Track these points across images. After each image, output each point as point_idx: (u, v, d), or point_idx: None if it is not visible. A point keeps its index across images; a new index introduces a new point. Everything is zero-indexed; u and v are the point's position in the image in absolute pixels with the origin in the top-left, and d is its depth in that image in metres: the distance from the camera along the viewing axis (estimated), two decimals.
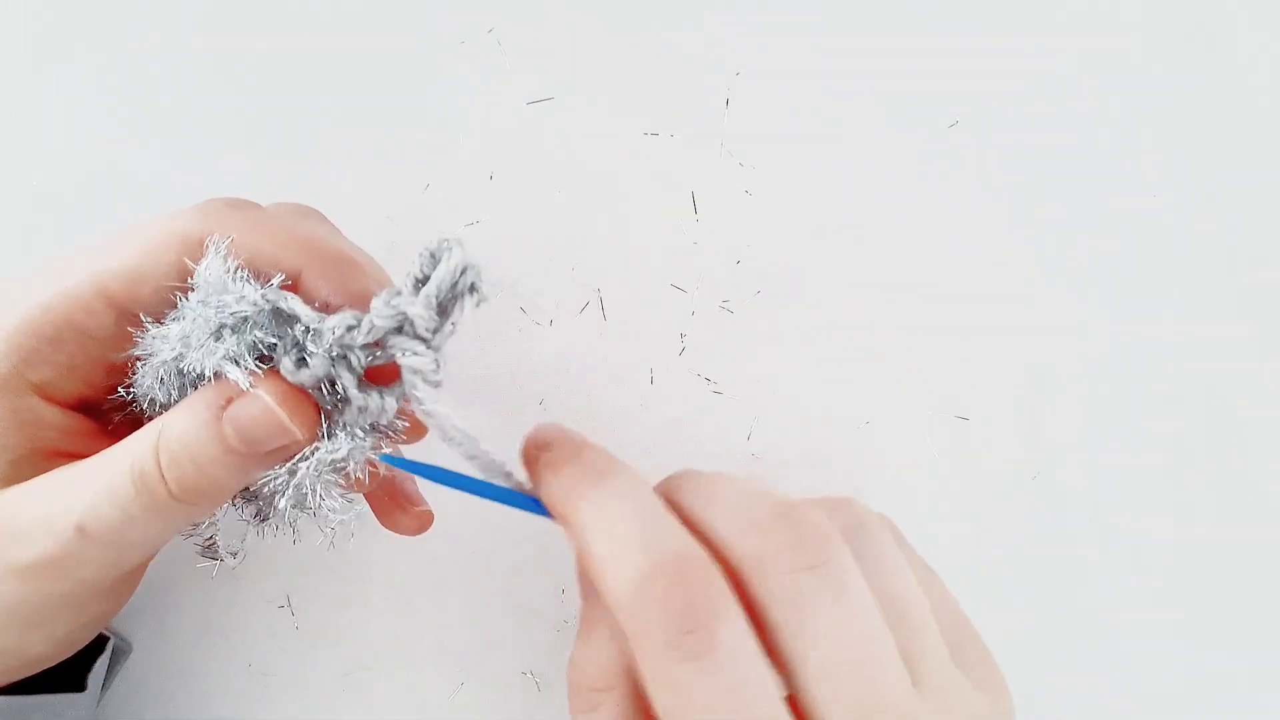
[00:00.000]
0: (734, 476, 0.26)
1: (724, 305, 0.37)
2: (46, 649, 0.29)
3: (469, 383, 0.37)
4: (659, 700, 0.22)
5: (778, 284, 0.37)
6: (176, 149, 0.37)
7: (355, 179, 0.37)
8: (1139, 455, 0.38)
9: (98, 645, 0.33)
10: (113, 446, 0.27)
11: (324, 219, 0.32)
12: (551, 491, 0.25)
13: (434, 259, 0.24)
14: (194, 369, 0.26)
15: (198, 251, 0.26)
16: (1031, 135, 0.38)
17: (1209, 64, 0.39)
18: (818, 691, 0.23)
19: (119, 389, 0.28)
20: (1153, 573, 0.37)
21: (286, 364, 0.26)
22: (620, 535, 0.23)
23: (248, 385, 0.25)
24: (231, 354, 0.25)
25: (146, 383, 0.27)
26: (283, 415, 0.25)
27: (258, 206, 0.28)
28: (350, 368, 0.25)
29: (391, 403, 0.26)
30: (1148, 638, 0.37)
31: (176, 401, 0.27)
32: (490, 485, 0.27)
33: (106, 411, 0.29)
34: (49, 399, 0.28)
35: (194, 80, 0.38)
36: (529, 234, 0.37)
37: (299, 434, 0.26)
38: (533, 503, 0.27)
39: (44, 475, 0.27)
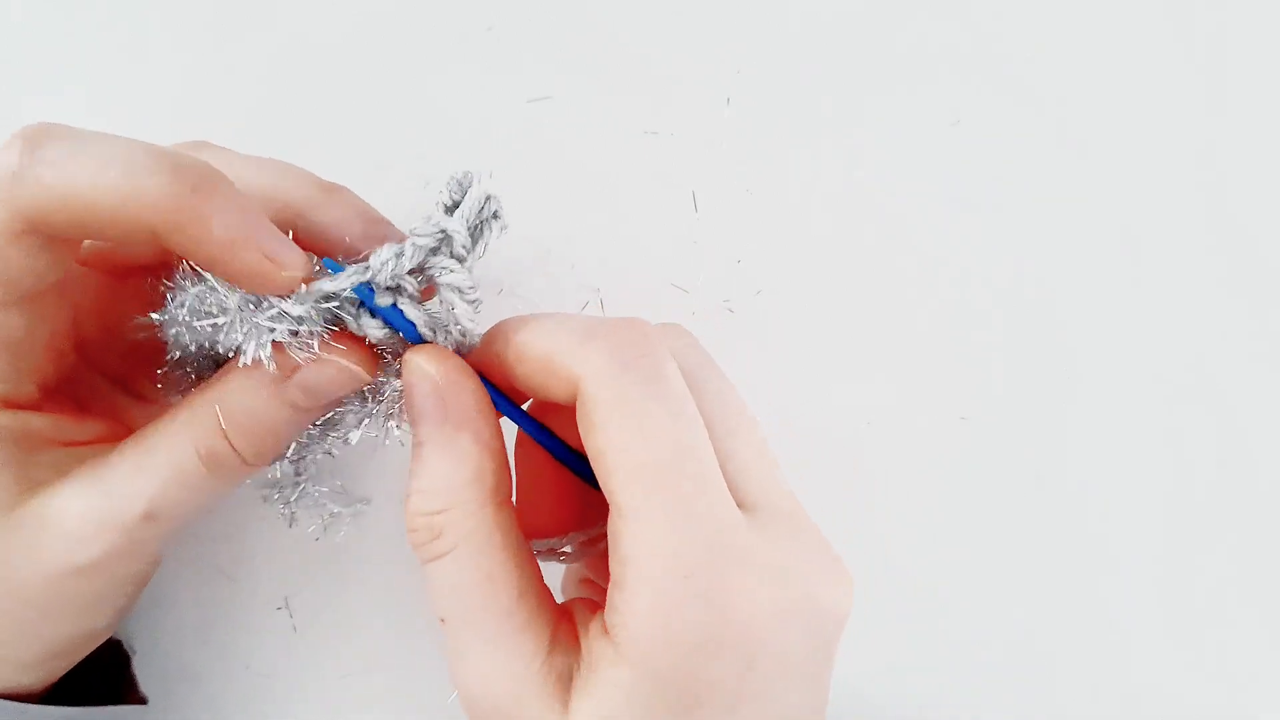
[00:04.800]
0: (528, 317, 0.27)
1: (724, 305, 0.37)
2: (111, 621, 0.30)
3: None
4: (609, 425, 0.24)
5: (778, 284, 0.37)
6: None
7: (354, 177, 0.37)
8: (1140, 455, 0.38)
9: (123, 655, 0.34)
10: (150, 434, 0.27)
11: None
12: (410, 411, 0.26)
13: (461, 187, 0.26)
14: (250, 359, 0.26)
15: (32, 237, 0.24)
16: (1033, 134, 0.38)
17: (1209, 63, 0.39)
18: (626, 497, 0.23)
19: (166, 357, 0.28)
20: (1155, 572, 0.37)
21: (362, 324, 0.26)
22: (557, 320, 0.26)
23: (304, 358, 0.26)
24: (292, 333, 0.26)
25: (182, 348, 0.28)
26: (353, 367, 0.26)
27: (58, 146, 0.23)
28: (411, 297, 0.27)
29: (458, 318, 0.27)
30: (1150, 636, 0.37)
31: (203, 366, 0.28)
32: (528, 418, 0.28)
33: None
34: (15, 406, 0.28)
35: (194, 79, 0.38)
36: (529, 234, 0.37)
37: (368, 377, 0.27)
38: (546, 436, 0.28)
39: (74, 477, 0.27)
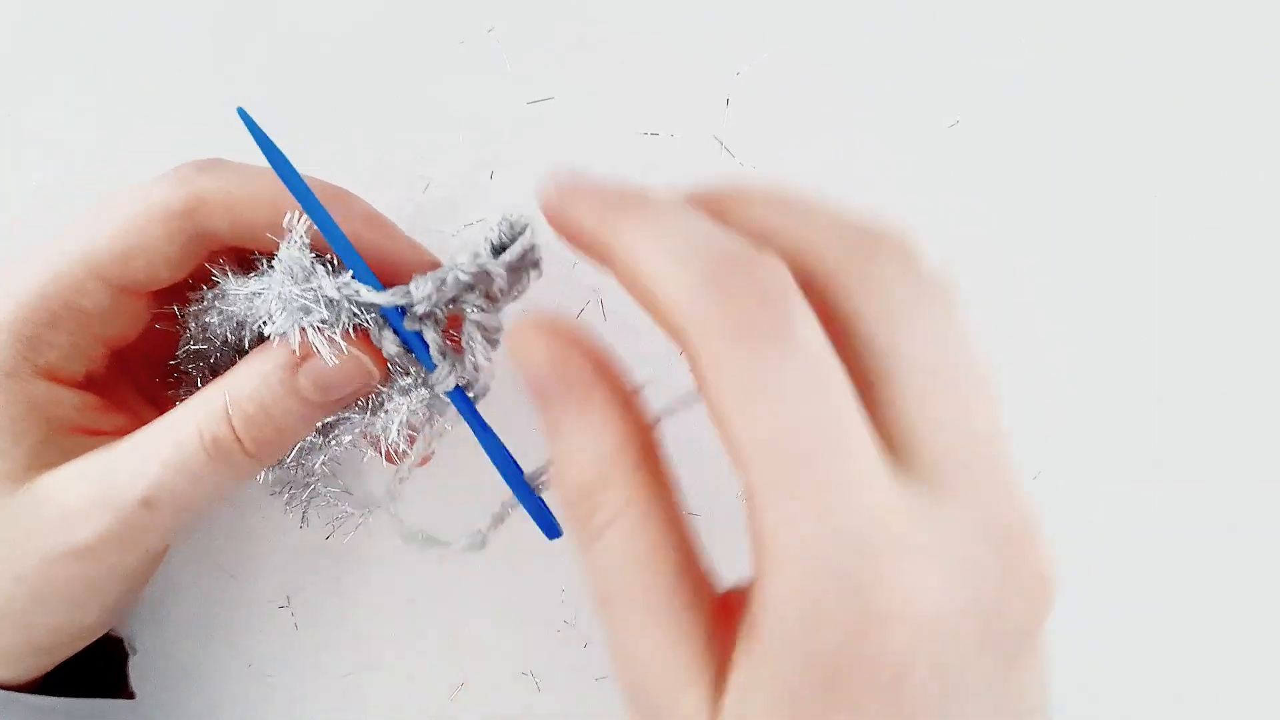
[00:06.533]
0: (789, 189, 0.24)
1: None
2: (99, 619, 0.30)
3: None
4: (728, 402, 0.20)
5: None
6: (175, 149, 0.37)
7: (355, 179, 0.37)
8: (1139, 455, 0.38)
9: (121, 653, 0.34)
10: (158, 421, 0.27)
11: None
12: (585, 224, 0.24)
13: (513, 230, 0.27)
14: (275, 333, 0.27)
15: (183, 222, 0.27)
16: (1032, 135, 0.38)
17: (1209, 63, 0.39)
18: (910, 407, 0.21)
19: (182, 342, 0.30)
20: (1154, 572, 0.37)
21: (382, 336, 0.27)
22: (675, 245, 0.21)
23: (329, 353, 0.26)
24: (317, 323, 0.26)
25: (211, 333, 0.29)
26: (367, 362, 0.27)
27: (226, 163, 0.29)
28: (438, 323, 0.27)
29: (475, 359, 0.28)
30: (1149, 637, 0.37)
31: (221, 359, 0.29)
32: (520, 481, 0.28)
33: (116, 384, 0.31)
34: (57, 381, 0.28)
35: (194, 79, 0.38)
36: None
37: (377, 373, 0.27)
38: (540, 508, 0.28)
39: (81, 458, 0.27)
